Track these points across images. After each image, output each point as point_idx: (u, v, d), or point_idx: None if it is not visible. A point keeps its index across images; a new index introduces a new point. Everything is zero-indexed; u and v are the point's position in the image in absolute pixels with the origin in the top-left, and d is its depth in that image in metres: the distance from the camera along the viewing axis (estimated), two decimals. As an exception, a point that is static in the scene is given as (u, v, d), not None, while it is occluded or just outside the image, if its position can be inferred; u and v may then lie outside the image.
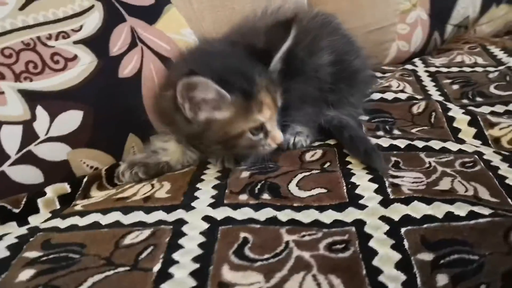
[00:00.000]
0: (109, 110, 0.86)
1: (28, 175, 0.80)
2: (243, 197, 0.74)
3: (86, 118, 0.84)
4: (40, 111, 0.79)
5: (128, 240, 0.66)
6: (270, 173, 0.80)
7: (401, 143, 0.89)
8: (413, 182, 0.75)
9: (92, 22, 0.87)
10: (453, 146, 0.88)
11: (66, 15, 0.84)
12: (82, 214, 0.74)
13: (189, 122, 0.78)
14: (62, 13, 0.84)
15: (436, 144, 0.88)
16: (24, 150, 0.78)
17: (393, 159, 0.84)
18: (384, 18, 1.33)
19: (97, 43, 0.86)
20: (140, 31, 0.93)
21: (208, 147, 0.82)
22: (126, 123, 0.88)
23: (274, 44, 0.81)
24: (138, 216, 0.71)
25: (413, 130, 0.95)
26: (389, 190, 0.73)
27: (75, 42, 0.84)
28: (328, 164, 0.83)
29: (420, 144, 0.88)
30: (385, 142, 0.89)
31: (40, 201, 0.79)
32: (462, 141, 0.91)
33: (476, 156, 0.84)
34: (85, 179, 0.84)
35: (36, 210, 0.78)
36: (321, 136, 0.91)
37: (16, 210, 0.77)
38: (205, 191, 0.77)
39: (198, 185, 0.79)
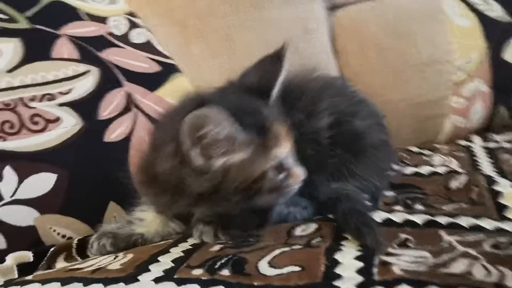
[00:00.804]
0: (88, 175, 0.81)
1: (-12, 239, 0.75)
2: (197, 272, 0.61)
3: (60, 182, 0.79)
4: (8, 171, 0.76)
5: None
6: (245, 248, 0.67)
7: (419, 219, 0.70)
8: (412, 262, 0.56)
9: (83, 86, 0.85)
10: (489, 224, 0.68)
11: (56, 78, 0.84)
12: (23, 283, 0.66)
13: (200, 175, 0.66)
14: (52, 76, 0.84)
15: (465, 221, 0.69)
16: (-14, 211, 0.74)
17: (403, 236, 0.66)
18: (434, 90, 1.18)
19: (85, 106, 0.84)
20: (138, 97, 0.89)
21: (220, 203, 0.69)
22: (108, 190, 0.82)
23: (269, 79, 0.72)
24: (73, 288, 0.61)
25: (445, 207, 0.76)
26: (375, 270, 0.55)
27: (60, 105, 0.82)
28: (317, 239, 0.67)
29: (443, 220, 0.69)
30: (398, 217, 0.71)
31: (-4, 269, 0.73)
32: (508, 220, 0.70)
33: (519, 236, 0.63)
34: (52, 249, 0.77)
35: (-9, 278, 0.72)
36: (323, 210, 0.76)
37: (-32, 276, 0.71)
38: (163, 263, 0.65)
39: (160, 258, 0.67)
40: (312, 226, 0.71)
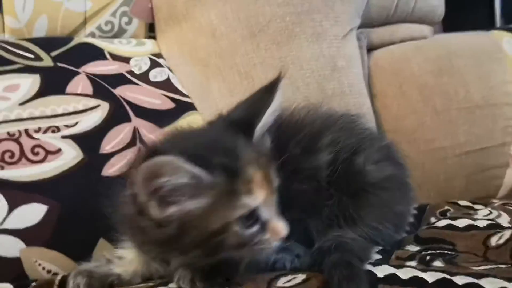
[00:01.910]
0: (80, 209, 0.78)
1: (-28, 267, 0.73)
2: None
3: (50, 214, 0.76)
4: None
5: None
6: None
7: (431, 277, 0.57)
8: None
9: (90, 120, 0.84)
10: (522, 289, 0.53)
11: (64, 111, 0.84)
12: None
13: (159, 226, 0.60)
14: (61, 110, 0.84)
15: (491, 283, 0.54)
16: (-28, 239, 0.73)
17: (403, 296, 0.53)
18: (488, 137, 1.03)
19: (88, 139, 0.83)
20: (145, 132, 0.87)
21: (185, 254, 0.61)
22: (99, 226, 0.77)
23: (255, 111, 0.64)
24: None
25: (476, 267, 0.62)
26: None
27: (64, 137, 0.82)
28: (299, 292, 0.56)
29: (461, 280, 0.55)
30: (406, 273, 0.58)
31: (-26, 299, 0.70)
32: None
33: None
34: (33, 283, 0.73)
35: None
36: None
37: None
38: (122, 308, 0.59)
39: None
40: (300, 277, 0.61)
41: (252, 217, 0.58)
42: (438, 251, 0.69)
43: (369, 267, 0.61)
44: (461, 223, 0.76)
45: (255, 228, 0.59)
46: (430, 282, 0.56)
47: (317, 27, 0.98)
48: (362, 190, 0.68)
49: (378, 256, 0.66)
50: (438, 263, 0.63)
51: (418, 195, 0.91)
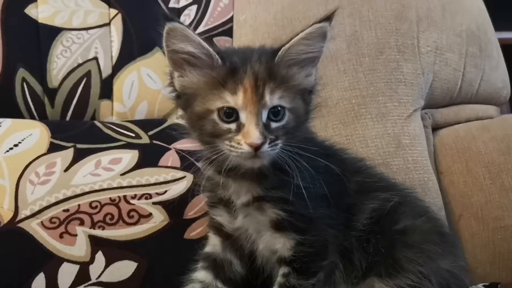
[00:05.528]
0: (163, 267, 0.88)
1: (72, 315, 0.84)
2: None
3: (138, 270, 0.88)
4: (99, 256, 0.88)
5: None
6: None
7: None
8: None
9: (177, 189, 0.97)
10: None
11: (156, 181, 0.98)
12: None
13: (177, 98, 0.74)
14: (154, 179, 0.98)
15: None
16: (74, 289, 0.85)
17: None
18: None
19: (174, 206, 0.95)
20: (220, 200, 0.98)
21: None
22: (178, 284, 0.87)
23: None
24: None
25: None
26: None
27: (154, 203, 0.95)
28: None
29: None
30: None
31: None
32: None
33: None
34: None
35: None
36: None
37: None
38: None
39: None
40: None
41: (231, 115, 0.68)
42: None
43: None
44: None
45: (231, 125, 0.68)
46: None
47: (381, 108, 1.07)
48: (413, 244, 0.75)
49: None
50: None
51: (488, 274, 0.92)
